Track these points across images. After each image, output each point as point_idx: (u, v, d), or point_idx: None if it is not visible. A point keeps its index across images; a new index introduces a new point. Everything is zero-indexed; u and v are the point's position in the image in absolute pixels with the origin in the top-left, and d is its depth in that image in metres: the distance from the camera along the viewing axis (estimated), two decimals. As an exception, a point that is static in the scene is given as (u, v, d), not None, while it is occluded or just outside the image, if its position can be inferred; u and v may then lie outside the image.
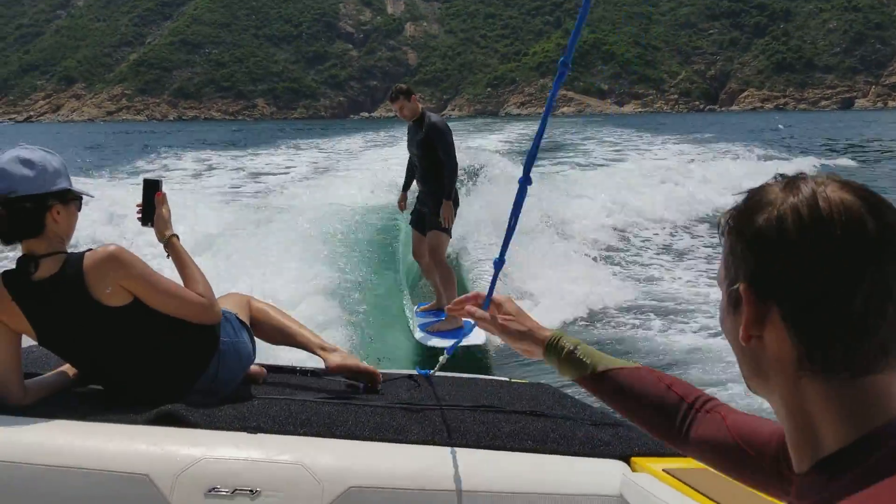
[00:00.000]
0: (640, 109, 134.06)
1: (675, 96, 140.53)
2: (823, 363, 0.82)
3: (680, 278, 9.83)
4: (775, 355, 0.86)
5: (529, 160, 1.53)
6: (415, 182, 6.85)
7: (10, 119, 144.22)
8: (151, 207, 2.52)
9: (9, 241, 2.35)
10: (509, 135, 39.11)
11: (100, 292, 2.31)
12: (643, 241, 12.21)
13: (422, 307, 7.11)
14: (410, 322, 7.12)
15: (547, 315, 7.38)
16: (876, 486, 0.76)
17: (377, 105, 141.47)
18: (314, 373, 2.78)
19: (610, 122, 62.21)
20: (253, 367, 2.70)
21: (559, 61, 1.40)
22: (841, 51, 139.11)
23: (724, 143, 29.72)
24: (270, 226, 10.94)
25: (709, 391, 1.23)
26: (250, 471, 1.95)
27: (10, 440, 2.04)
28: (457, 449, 2.07)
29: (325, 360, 2.73)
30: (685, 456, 1.30)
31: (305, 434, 2.13)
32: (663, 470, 1.89)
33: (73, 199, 2.40)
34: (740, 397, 5.69)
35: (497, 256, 1.68)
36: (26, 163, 2.30)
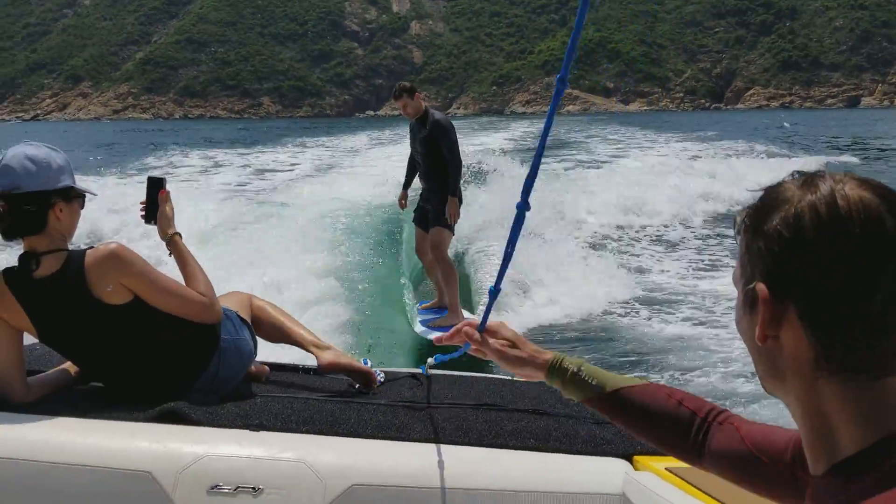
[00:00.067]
0: (645, 108, 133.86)
1: (681, 94, 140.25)
2: (841, 363, 0.81)
3: (669, 271, 10.07)
4: (792, 356, 0.85)
5: (528, 184, 1.46)
6: (417, 180, 6.87)
7: (17, 117, 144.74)
8: (155, 205, 2.52)
9: (10, 238, 2.34)
10: (514, 133, 39.20)
11: (100, 290, 2.30)
12: (642, 236, 12.40)
13: (423, 305, 7.15)
14: (411, 317, 7.17)
15: (548, 311, 7.51)
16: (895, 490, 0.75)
17: (382, 103, 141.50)
18: (317, 371, 2.77)
19: (615, 121, 62.24)
20: (256, 366, 2.70)
21: (556, 77, 1.37)
22: (847, 49, 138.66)
23: (727, 141, 29.83)
24: (274, 222, 11.06)
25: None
26: (253, 468, 1.95)
27: (13, 437, 2.04)
28: (459, 447, 2.07)
29: (317, 358, 2.70)
30: (702, 470, 1.28)
31: (308, 432, 2.13)
32: (666, 468, 1.88)
33: (76, 197, 2.38)
34: (722, 383, 5.88)
35: (492, 285, 1.62)
36: (31, 159, 2.29)
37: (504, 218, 9.64)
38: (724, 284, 8.99)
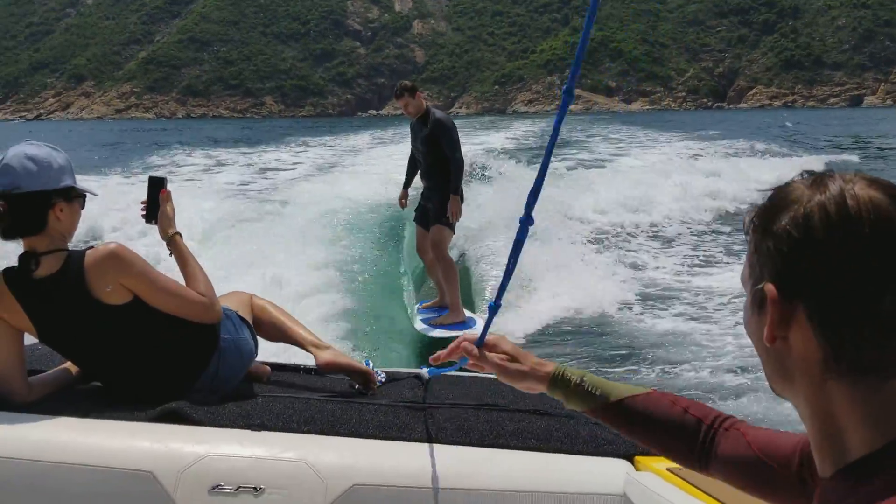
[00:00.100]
0: (647, 107, 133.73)
1: (684, 94, 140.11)
2: (851, 364, 0.81)
3: (665, 267, 10.23)
4: (801, 357, 0.84)
5: (532, 198, 1.41)
6: (418, 179, 6.89)
7: (20, 117, 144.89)
8: (155, 205, 2.54)
9: (10, 237, 2.33)
10: (516, 132, 39.29)
11: (100, 291, 2.30)
12: (639, 232, 12.55)
13: (424, 304, 7.17)
14: (411, 315, 7.19)
15: (544, 307, 7.61)
16: None
17: (385, 102, 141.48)
18: (318, 372, 2.78)
19: (617, 120, 62.26)
20: (257, 366, 2.71)
21: (562, 89, 1.34)
22: (850, 48, 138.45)
23: (727, 140, 29.91)
24: (276, 220, 11.16)
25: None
26: (254, 468, 1.95)
27: (15, 437, 2.04)
28: (460, 447, 2.07)
29: (316, 357, 2.69)
30: (709, 478, 1.28)
31: (309, 432, 2.13)
32: (667, 469, 1.88)
33: (76, 197, 2.38)
34: (710, 376, 5.99)
35: (492, 300, 1.59)
36: (31, 159, 2.28)
37: (505, 217, 9.74)
38: (720, 281, 9.12)
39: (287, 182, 18.49)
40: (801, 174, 0.89)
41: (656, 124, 49.86)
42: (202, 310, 2.40)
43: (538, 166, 1.41)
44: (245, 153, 28.51)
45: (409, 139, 6.89)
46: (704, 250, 11.45)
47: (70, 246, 2.41)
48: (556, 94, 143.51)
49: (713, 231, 12.91)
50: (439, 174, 6.46)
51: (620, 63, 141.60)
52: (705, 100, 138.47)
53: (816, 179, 0.85)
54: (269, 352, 3.16)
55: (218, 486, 1.92)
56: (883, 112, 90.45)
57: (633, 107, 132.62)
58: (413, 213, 7.08)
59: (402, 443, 2.10)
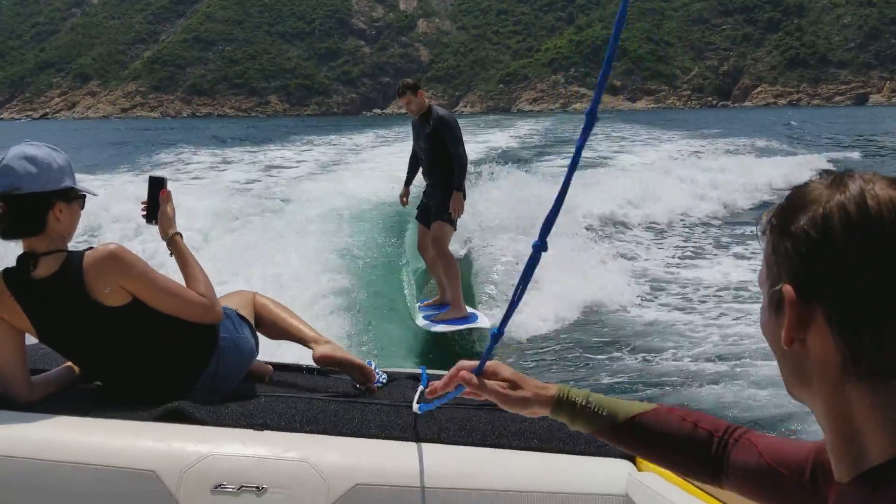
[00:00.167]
0: (652, 105, 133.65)
1: (688, 92, 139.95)
2: (870, 367, 0.80)
3: (655, 259, 10.47)
4: (819, 359, 0.83)
5: (547, 224, 1.34)
6: (420, 177, 6.91)
7: (26, 116, 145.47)
8: (156, 205, 2.54)
9: (9, 238, 2.33)
10: (520, 131, 39.43)
11: (99, 292, 2.29)
12: (635, 225, 12.77)
13: (424, 302, 7.20)
14: (412, 312, 7.23)
15: (540, 302, 7.75)
16: None
17: (389, 101, 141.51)
18: (320, 371, 2.79)
19: (621, 119, 62.34)
20: (259, 366, 2.71)
21: (585, 111, 1.29)
22: (855, 46, 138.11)
23: (730, 138, 30.04)
24: (280, 217, 11.31)
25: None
26: (257, 468, 1.96)
27: (18, 436, 2.05)
28: (463, 447, 2.08)
29: (312, 351, 2.69)
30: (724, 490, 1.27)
31: (312, 431, 2.13)
32: None
33: (76, 198, 2.37)
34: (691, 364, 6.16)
35: (496, 327, 1.53)
36: (31, 160, 2.27)
37: (505, 218, 9.91)
38: (712, 275, 9.28)
39: (292, 180, 18.65)
40: (820, 173, 0.87)
41: (660, 122, 49.96)
42: (202, 311, 2.39)
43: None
44: (250, 151, 28.70)
45: (412, 137, 6.92)
46: (694, 242, 11.77)
47: (70, 246, 2.40)
48: (561, 92, 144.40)
49: (704, 224, 13.24)
50: (441, 171, 6.48)
51: (625, 62, 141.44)
52: (710, 98, 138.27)
53: (836, 179, 0.84)
54: (271, 351, 3.19)
55: (220, 485, 1.93)
56: (888, 110, 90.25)
57: (638, 105, 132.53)
58: (415, 212, 7.12)
59: (404, 442, 2.09)
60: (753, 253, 10.61)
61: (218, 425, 2.14)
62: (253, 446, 2.03)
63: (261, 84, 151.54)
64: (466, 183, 6.70)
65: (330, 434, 2.13)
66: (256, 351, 2.64)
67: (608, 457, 2.05)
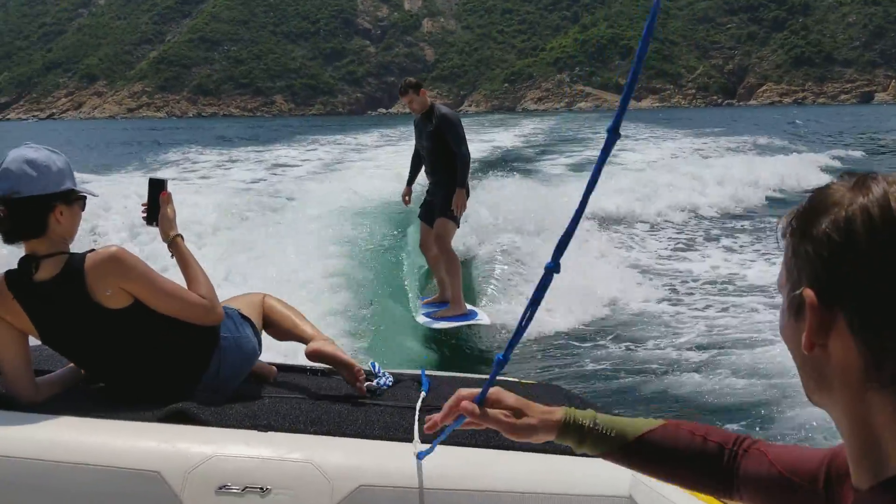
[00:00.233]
0: (657, 104, 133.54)
1: (693, 91, 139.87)
2: (893, 373, 0.78)
3: (651, 251, 10.69)
4: (840, 365, 0.81)
5: (561, 246, 1.30)
6: (423, 175, 6.90)
7: (33, 116, 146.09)
8: (156, 207, 2.52)
9: (11, 241, 2.33)
10: (524, 129, 39.57)
11: (100, 294, 2.29)
12: (634, 221, 12.99)
13: (425, 300, 7.22)
14: (413, 309, 7.23)
15: (553, 305, 7.93)
16: None
17: (394, 101, 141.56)
18: (324, 373, 2.80)
19: (625, 117, 62.32)
20: (264, 367, 2.71)
21: (607, 128, 1.26)
22: (860, 44, 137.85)
23: (733, 137, 30.22)
24: (284, 216, 11.46)
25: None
26: (261, 469, 1.96)
27: (22, 436, 2.05)
28: (466, 448, 2.07)
29: (306, 347, 2.68)
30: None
31: (315, 433, 2.14)
32: None
33: (76, 200, 2.37)
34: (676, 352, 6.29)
35: (500, 353, 1.46)
36: (30, 163, 2.26)
37: (507, 217, 10.14)
38: (705, 269, 9.53)
39: (297, 179, 18.82)
40: (841, 175, 0.86)
41: (664, 121, 50.05)
42: (203, 312, 2.39)
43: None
44: (256, 150, 28.93)
45: (414, 136, 6.92)
46: (687, 235, 12.02)
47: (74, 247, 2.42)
48: (566, 91, 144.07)
49: (697, 218, 13.52)
50: (444, 170, 6.49)
51: (630, 61, 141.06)
52: (715, 97, 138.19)
53: (858, 181, 0.82)
54: (277, 352, 3.27)
55: (225, 486, 1.93)
56: (893, 108, 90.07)
57: (643, 104, 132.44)
58: (418, 210, 7.12)
59: (408, 444, 2.08)
60: (742, 247, 10.87)
61: (222, 426, 2.15)
62: (257, 447, 2.03)
63: (266, 84, 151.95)
64: (469, 182, 6.74)
65: (334, 435, 2.13)
66: (259, 350, 2.64)
67: None
